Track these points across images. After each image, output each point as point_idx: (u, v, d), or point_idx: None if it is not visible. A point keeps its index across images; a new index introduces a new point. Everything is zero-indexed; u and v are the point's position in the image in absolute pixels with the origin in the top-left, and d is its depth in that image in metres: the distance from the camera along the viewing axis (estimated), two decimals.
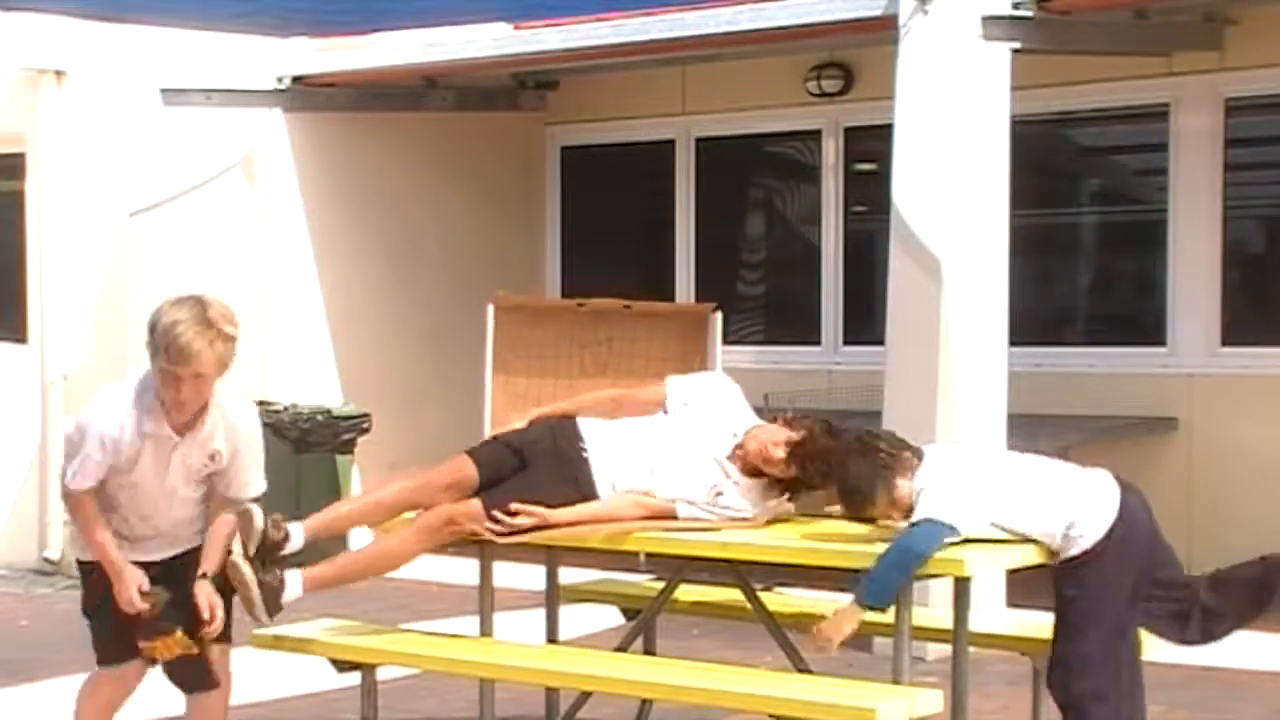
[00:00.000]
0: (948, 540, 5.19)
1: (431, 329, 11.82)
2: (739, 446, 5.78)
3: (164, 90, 10.77)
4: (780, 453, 5.71)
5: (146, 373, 5.19)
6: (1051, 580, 5.47)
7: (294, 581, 5.67)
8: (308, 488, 10.91)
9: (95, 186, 10.90)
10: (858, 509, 5.47)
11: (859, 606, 5.23)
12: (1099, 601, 5.36)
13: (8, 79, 11.05)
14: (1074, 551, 5.37)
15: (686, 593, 6.39)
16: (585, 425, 5.83)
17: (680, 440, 5.82)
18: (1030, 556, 5.68)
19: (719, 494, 5.75)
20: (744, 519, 5.73)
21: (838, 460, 5.51)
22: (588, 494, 5.74)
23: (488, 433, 6.32)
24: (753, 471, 5.77)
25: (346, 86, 11.60)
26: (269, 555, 5.62)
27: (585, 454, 5.76)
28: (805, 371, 11.55)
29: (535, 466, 5.77)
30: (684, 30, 9.93)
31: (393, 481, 5.97)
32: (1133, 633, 5.51)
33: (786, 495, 5.83)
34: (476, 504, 5.69)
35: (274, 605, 5.62)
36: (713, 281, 12.11)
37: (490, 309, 6.55)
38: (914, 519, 5.22)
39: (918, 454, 5.39)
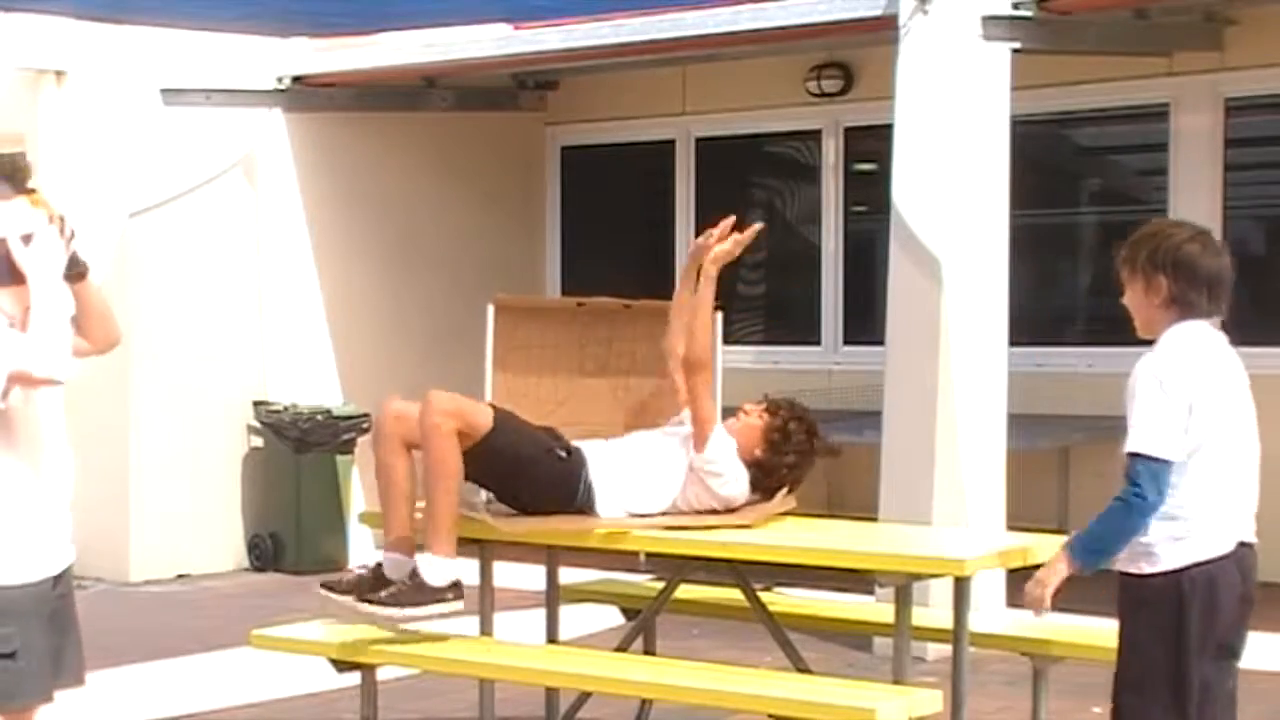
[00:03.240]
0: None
1: (431, 329, 11.82)
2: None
3: (164, 90, 10.77)
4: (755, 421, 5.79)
5: None
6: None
7: (432, 565, 5.57)
8: (308, 488, 10.93)
9: (95, 187, 10.90)
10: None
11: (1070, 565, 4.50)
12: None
13: (8, 79, 11.05)
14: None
15: (686, 593, 6.38)
16: (590, 452, 5.83)
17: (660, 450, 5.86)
18: (1030, 556, 5.68)
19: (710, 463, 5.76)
20: (738, 495, 5.75)
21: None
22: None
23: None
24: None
25: (346, 86, 11.60)
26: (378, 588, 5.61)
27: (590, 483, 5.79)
28: (805, 371, 11.54)
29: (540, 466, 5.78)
30: (684, 30, 9.93)
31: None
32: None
33: (785, 491, 5.84)
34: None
35: (421, 597, 5.54)
36: None
37: (490, 309, 6.55)
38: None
39: None
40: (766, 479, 5.83)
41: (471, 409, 5.71)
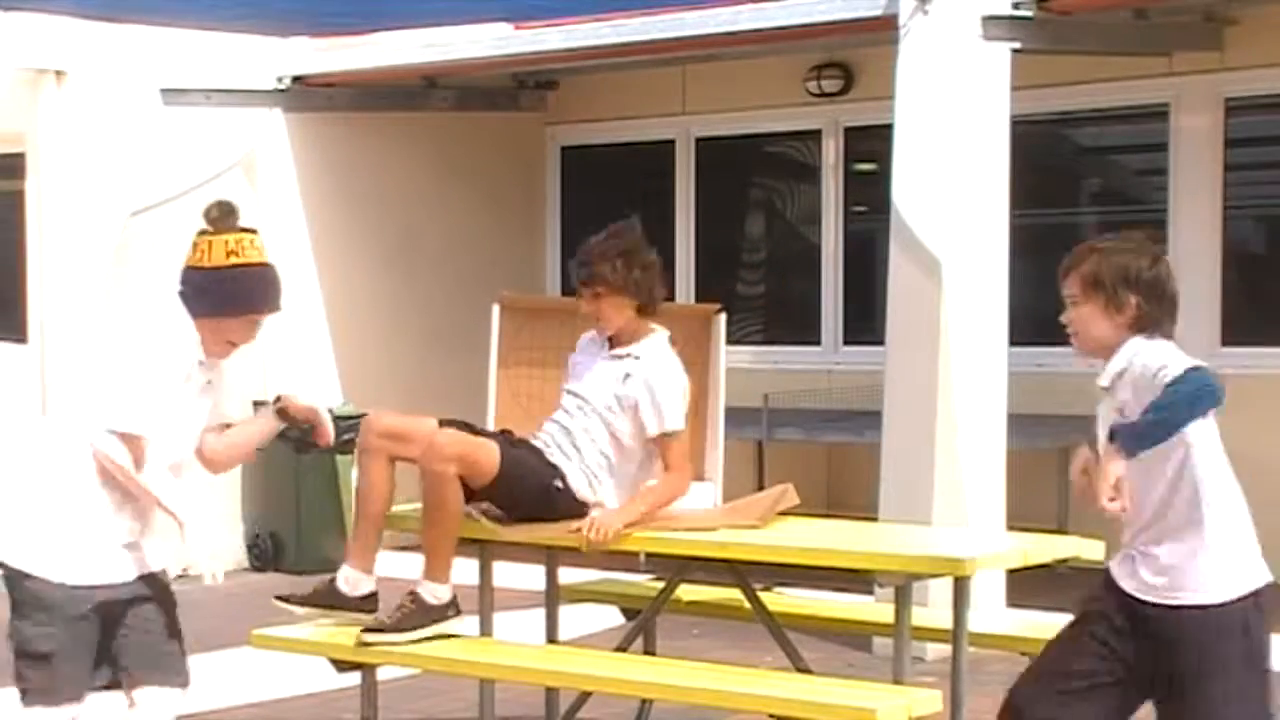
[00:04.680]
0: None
1: (432, 329, 11.82)
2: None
3: (164, 90, 10.77)
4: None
5: None
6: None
7: (431, 587, 5.74)
8: (307, 488, 10.93)
9: (95, 186, 10.90)
10: None
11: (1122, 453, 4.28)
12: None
13: (8, 79, 11.05)
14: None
15: (686, 593, 6.39)
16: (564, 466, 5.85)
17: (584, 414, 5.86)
18: (1030, 556, 5.69)
19: (627, 376, 5.78)
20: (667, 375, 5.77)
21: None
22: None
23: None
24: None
25: (346, 86, 11.60)
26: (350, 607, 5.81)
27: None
28: (805, 371, 11.55)
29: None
30: (684, 30, 9.93)
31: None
32: None
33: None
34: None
35: (425, 619, 5.72)
36: (713, 282, 12.11)
37: (495, 308, 6.55)
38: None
39: None
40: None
41: (477, 452, 5.69)
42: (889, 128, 8.69)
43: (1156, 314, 4.51)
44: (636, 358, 5.81)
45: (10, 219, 11.35)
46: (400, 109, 11.91)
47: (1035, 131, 10.36)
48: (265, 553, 11.07)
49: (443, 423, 5.79)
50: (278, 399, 5.34)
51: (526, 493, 5.77)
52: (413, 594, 5.74)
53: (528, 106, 12.59)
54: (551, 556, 6.39)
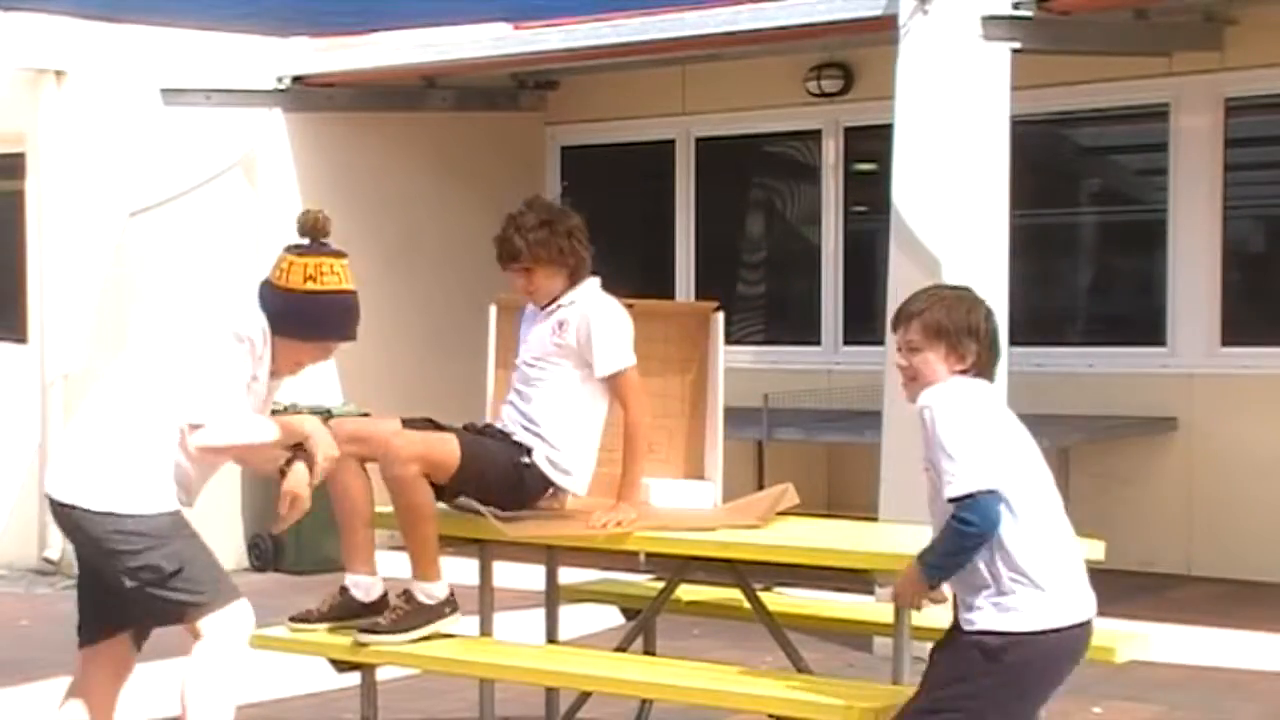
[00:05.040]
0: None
1: (431, 329, 11.82)
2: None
3: (164, 90, 10.77)
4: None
5: None
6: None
7: (425, 586, 5.72)
8: None
9: (95, 186, 10.90)
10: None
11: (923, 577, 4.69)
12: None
13: (8, 79, 11.05)
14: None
15: (686, 593, 6.38)
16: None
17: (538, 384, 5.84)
18: None
19: (561, 324, 5.78)
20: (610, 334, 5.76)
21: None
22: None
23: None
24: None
25: (346, 86, 11.61)
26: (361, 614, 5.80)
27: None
28: (805, 371, 11.55)
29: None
30: (684, 30, 9.93)
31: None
32: None
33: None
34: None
35: (421, 618, 5.70)
36: (713, 281, 12.12)
37: (493, 308, 6.55)
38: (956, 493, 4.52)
39: None
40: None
41: (434, 449, 5.65)
42: (889, 128, 8.69)
43: (988, 363, 4.75)
44: (570, 303, 5.81)
45: (10, 219, 11.35)
46: (400, 109, 11.91)
47: (1035, 131, 10.36)
48: (265, 553, 11.07)
49: (405, 423, 5.76)
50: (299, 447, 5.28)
51: (496, 478, 5.73)
52: (406, 594, 5.73)
53: (527, 106, 12.59)
54: (551, 556, 6.39)
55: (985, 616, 4.56)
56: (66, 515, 5.17)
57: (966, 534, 4.50)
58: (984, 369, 4.74)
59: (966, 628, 4.60)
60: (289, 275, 5.25)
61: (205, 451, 5.17)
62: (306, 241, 5.38)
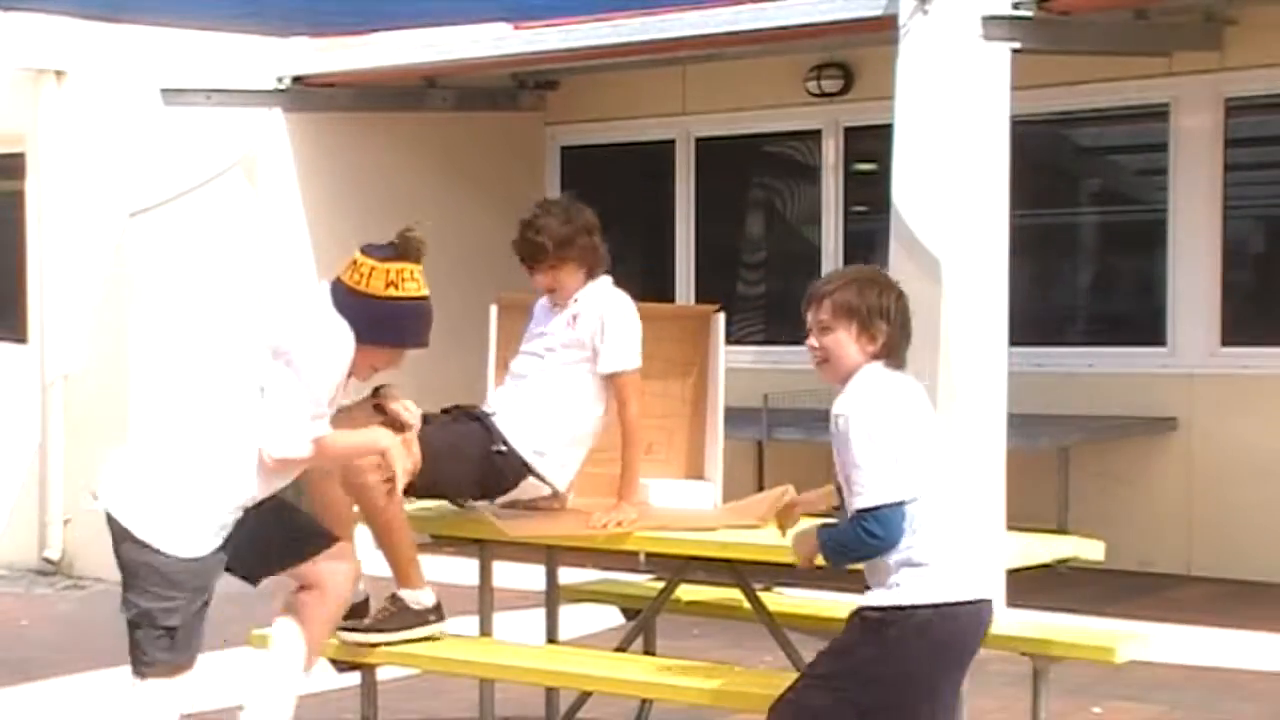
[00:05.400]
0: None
1: (432, 328, 11.81)
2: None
3: (164, 90, 10.77)
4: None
5: None
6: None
7: (413, 593, 5.72)
8: (309, 487, 10.91)
9: (95, 186, 10.91)
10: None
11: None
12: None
13: (8, 79, 11.06)
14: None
15: (686, 593, 6.38)
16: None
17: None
18: (1031, 556, 5.68)
19: (575, 317, 5.81)
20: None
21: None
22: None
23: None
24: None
25: (346, 86, 11.61)
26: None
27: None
28: (805, 371, 11.41)
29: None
30: (684, 30, 9.93)
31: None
32: None
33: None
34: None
35: (405, 621, 5.69)
36: (713, 281, 12.12)
37: (493, 308, 6.55)
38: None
39: None
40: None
41: None
42: (889, 128, 8.69)
43: (900, 344, 4.76)
44: (585, 298, 5.85)
45: (10, 219, 11.36)
46: (400, 109, 11.91)
47: (1035, 131, 10.36)
48: None
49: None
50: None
51: (466, 471, 5.73)
52: (394, 596, 5.73)
53: (528, 106, 12.59)
54: (551, 556, 6.39)
55: (874, 595, 4.59)
56: (117, 528, 5.16)
57: (868, 544, 4.54)
58: (894, 351, 4.73)
59: (859, 605, 4.64)
60: (369, 280, 5.18)
61: (282, 464, 5.14)
62: (382, 244, 5.29)
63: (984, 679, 6.33)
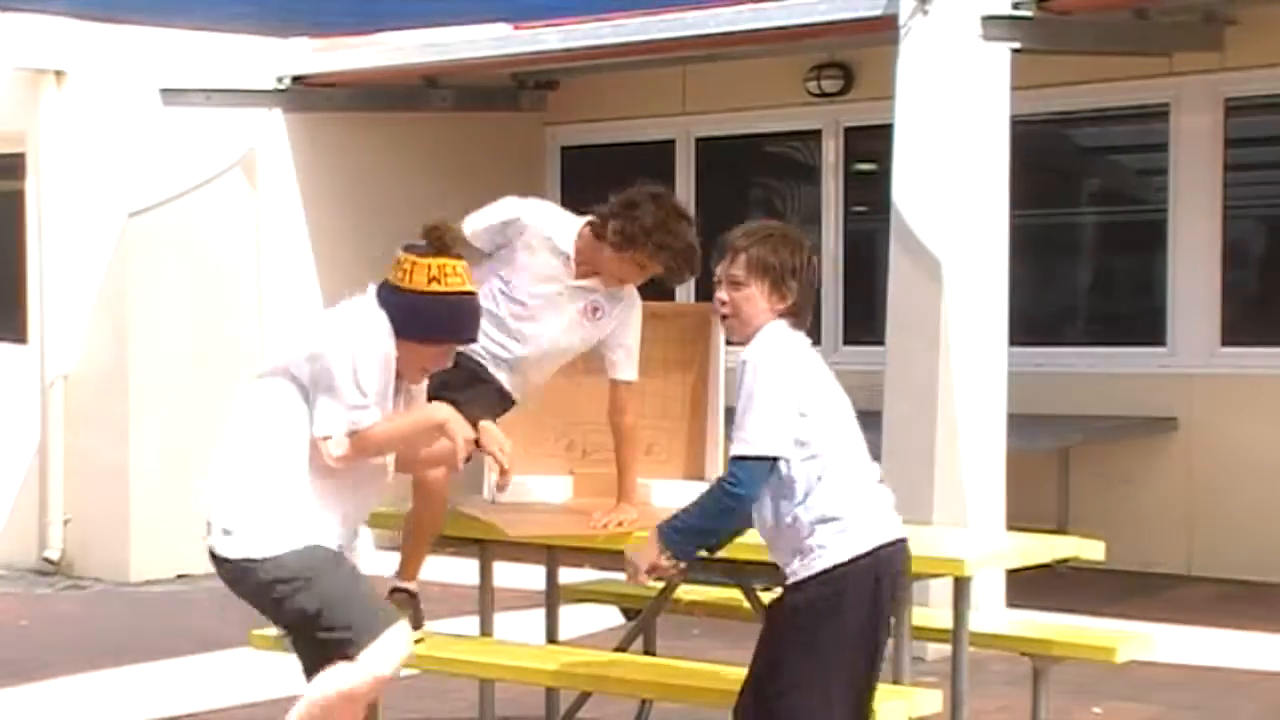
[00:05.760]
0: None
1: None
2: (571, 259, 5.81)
3: (164, 90, 10.77)
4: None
5: None
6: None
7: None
8: None
9: (95, 186, 10.90)
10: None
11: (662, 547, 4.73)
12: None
13: (8, 79, 11.06)
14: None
15: (686, 593, 6.38)
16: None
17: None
18: (1030, 556, 5.68)
19: (596, 309, 5.78)
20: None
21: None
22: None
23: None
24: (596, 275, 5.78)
25: (346, 86, 11.60)
26: None
27: None
28: None
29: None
30: (684, 30, 9.93)
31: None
32: None
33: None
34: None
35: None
36: (713, 281, 12.09)
37: None
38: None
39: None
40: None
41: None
42: (889, 128, 8.69)
43: (805, 304, 4.75)
44: (610, 292, 5.80)
45: (10, 219, 11.35)
46: (400, 109, 11.91)
47: (1035, 131, 10.36)
48: None
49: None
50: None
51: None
52: (406, 591, 5.73)
53: (528, 106, 12.58)
54: (551, 556, 6.39)
55: (802, 566, 4.58)
56: (219, 566, 5.07)
57: (730, 493, 4.56)
58: (802, 310, 4.73)
59: (792, 583, 4.62)
60: (412, 276, 5.16)
61: (343, 460, 4.99)
62: (423, 242, 5.28)
63: (984, 679, 6.34)
